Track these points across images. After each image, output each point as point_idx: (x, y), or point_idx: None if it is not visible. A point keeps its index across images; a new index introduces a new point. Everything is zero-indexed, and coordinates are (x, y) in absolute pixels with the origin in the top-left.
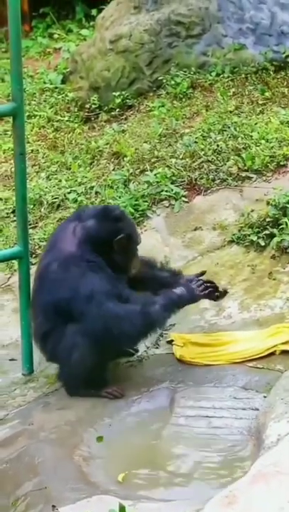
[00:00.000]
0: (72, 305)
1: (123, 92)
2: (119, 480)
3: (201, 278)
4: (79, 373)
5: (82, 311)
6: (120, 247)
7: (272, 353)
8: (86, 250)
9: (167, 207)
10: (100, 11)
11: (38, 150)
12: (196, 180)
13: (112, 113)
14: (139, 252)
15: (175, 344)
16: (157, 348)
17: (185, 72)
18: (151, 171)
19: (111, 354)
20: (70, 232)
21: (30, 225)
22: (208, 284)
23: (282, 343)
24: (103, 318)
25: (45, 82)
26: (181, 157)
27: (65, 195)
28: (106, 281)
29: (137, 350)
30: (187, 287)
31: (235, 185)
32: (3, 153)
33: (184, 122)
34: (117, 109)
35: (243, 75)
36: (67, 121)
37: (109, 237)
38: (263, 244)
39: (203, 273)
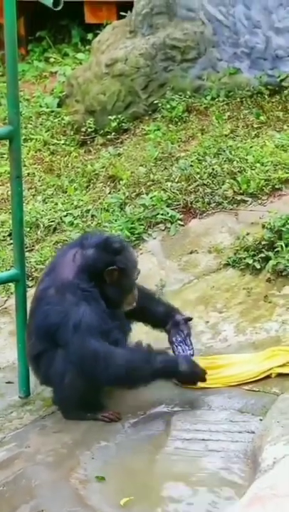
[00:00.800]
0: (59, 332)
1: (119, 116)
2: (121, 504)
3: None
4: (72, 397)
5: (67, 339)
6: (111, 279)
7: (268, 376)
8: (83, 279)
9: (163, 230)
10: (95, 35)
11: (34, 173)
12: (191, 203)
13: (108, 136)
14: (136, 290)
15: None
16: None
17: (180, 95)
18: (147, 194)
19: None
20: (70, 259)
21: (26, 248)
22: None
23: (278, 366)
24: (82, 351)
25: (41, 106)
26: (176, 180)
27: (61, 219)
28: (97, 314)
29: None
30: (192, 365)
31: (231, 209)
32: (0, 176)
33: (179, 146)
34: (113, 133)
35: (238, 99)
36: (63, 144)
37: (102, 267)
38: (258, 267)
39: (190, 319)
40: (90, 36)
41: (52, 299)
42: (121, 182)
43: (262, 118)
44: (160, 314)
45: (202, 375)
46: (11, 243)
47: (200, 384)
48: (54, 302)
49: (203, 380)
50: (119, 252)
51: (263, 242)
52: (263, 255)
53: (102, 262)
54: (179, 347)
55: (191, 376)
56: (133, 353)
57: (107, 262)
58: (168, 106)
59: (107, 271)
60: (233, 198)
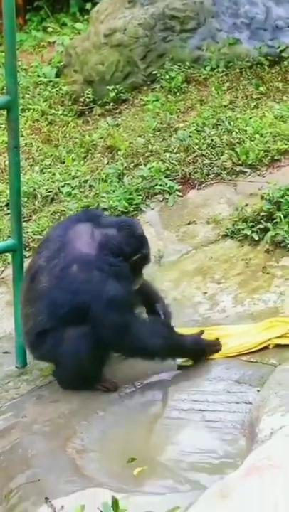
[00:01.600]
0: (91, 308)
1: (117, 86)
2: (134, 474)
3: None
4: (77, 374)
5: (101, 316)
6: (135, 264)
7: (266, 347)
8: (107, 255)
9: (161, 201)
10: (94, 4)
11: (32, 143)
12: (190, 174)
13: (106, 107)
14: None
15: None
16: None
17: (179, 66)
18: (145, 165)
19: (110, 355)
20: (88, 235)
21: (24, 218)
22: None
23: (276, 337)
24: (118, 325)
25: (39, 76)
26: (175, 151)
27: (58, 189)
28: (127, 289)
29: None
30: (199, 341)
31: (230, 180)
32: None
33: (178, 116)
34: (111, 103)
35: (238, 70)
36: (61, 114)
37: (130, 253)
38: (256, 238)
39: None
40: (88, 6)
41: (77, 277)
42: (119, 152)
43: (261, 89)
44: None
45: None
46: (9, 213)
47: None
48: (81, 280)
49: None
50: (143, 238)
51: (262, 213)
52: (261, 226)
53: (128, 245)
54: None
55: (202, 350)
56: (165, 330)
57: (134, 246)
58: (167, 76)
59: (136, 258)
60: (232, 169)
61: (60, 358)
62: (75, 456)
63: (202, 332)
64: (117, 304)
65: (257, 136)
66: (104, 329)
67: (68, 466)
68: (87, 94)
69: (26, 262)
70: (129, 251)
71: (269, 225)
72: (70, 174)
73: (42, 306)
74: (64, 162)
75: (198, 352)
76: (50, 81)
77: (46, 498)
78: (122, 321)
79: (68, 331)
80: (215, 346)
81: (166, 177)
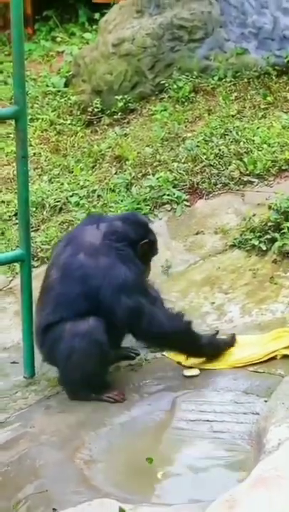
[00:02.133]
0: (101, 293)
1: (125, 96)
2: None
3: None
4: (77, 376)
5: (112, 300)
6: (142, 251)
7: (274, 358)
8: (113, 241)
9: (169, 211)
10: (102, 14)
11: (40, 153)
12: (198, 184)
13: (115, 117)
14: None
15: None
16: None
17: (187, 76)
18: (153, 174)
19: (111, 357)
20: (93, 228)
21: (32, 228)
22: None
23: (284, 348)
24: (132, 310)
25: (47, 86)
26: (183, 161)
27: (67, 199)
28: (136, 273)
29: (138, 354)
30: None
31: (237, 190)
32: (6, 156)
33: (186, 126)
34: (120, 113)
35: (246, 80)
36: (69, 124)
37: (136, 239)
38: (264, 248)
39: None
40: (97, 16)
41: (85, 263)
42: (127, 162)
43: (269, 99)
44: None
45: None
46: (17, 223)
47: (204, 366)
48: (88, 265)
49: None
50: (148, 225)
51: (269, 224)
52: (269, 236)
53: (133, 231)
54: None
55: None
56: (178, 320)
57: (139, 232)
58: (175, 86)
59: (142, 244)
60: (240, 178)
61: (59, 359)
62: (82, 466)
63: (217, 332)
64: (127, 287)
65: (264, 146)
66: (118, 314)
67: (76, 477)
68: (96, 103)
69: (34, 272)
70: (135, 237)
71: (277, 235)
72: (78, 184)
73: (49, 298)
74: (72, 172)
75: (213, 348)
76: (59, 91)
77: (54, 509)
78: (135, 303)
79: (68, 325)
80: (231, 342)
81: (174, 187)
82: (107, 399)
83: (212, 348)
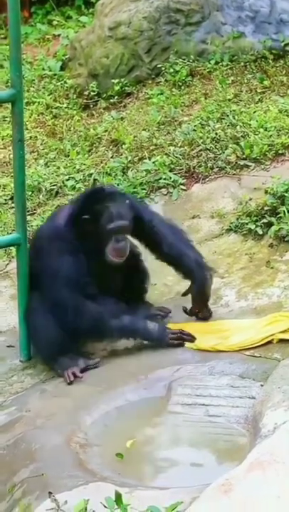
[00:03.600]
0: (41, 277)
1: (122, 80)
2: (128, 446)
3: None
4: (40, 339)
5: (47, 284)
6: (87, 228)
7: (270, 342)
8: (69, 226)
9: (165, 195)
10: None
11: (36, 137)
12: (194, 168)
13: (111, 100)
14: (125, 241)
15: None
16: None
17: (184, 59)
18: (149, 158)
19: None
20: (67, 207)
21: (28, 211)
22: (184, 336)
23: (280, 332)
24: (55, 299)
25: (44, 69)
26: (179, 145)
27: (63, 182)
28: (74, 266)
29: (166, 314)
30: (161, 330)
31: (234, 174)
32: (2, 139)
33: (182, 110)
34: (116, 97)
35: (242, 63)
36: (65, 108)
37: (79, 216)
38: (260, 232)
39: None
40: None
41: (43, 243)
42: (123, 146)
43: (266, 83)
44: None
45: (175, 339)
46: (13, 207)
47: (202, 346)
48: (44, 247)
49: (180, 343)
50: (98, 201)
51: (266, 208)
52: (265, 221)
53: (79, 209)
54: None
55: (161, 339)
56: (103, 307)
57: (83, 209)
58: (171, 70)
59: (81, 219)
60: (236, 163)
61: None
62: (78, 450)
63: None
64: (58, 279)
65: (261, 130)
66: (46, 300)
67: (72, 461)
68: (92, 87)
69: None
70: (79, 214)
71: (273, 219)
72: (74, 168)
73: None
74: (68, 155)
75: (157, 339)
76: (55, 74)
77: (50, 493)
78: (59, 296)
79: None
80: (175, 338)
81: (170, 171)
82: (64, 375)
83: (151, 338)
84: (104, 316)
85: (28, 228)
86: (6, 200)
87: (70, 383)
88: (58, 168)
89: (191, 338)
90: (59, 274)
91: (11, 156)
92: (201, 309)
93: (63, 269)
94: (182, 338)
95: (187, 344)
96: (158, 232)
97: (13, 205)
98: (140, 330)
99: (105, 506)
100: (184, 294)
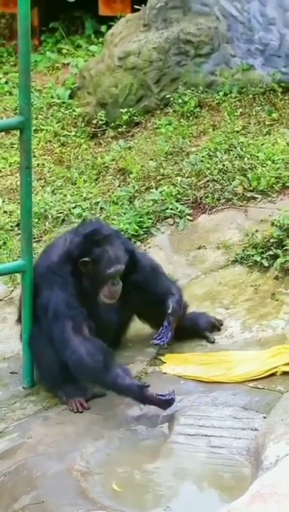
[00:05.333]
0: (37, 311)
1: (130, 109)
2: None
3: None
4: (44, 365)
5: (39, 320)
6: (85, 270)
7: (274, 374)
8: (63, 264)
9: (172, 225)
10: (109, 27)
11: (44, 164)
12: (201, 198)
13: (119, 129)
14: (120, 284)
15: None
16: (157, 365)
17: (193, 91)
18: (156, 188)
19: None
20: (63, 242)
21: (34, 238)
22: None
23: (284, 365)
24: (50, 333)
25: (52, 97)
26: (186, 175)
27: (69, 210)
28: (64, 300)
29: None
30: (140, 391)
31: (240, 205)
32: (10, 166)
33: (190, 141)
34: (124, 126)
35: (251, 96)
36: (73, 136)
37: (78, 257)
38: (266, 264)
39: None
40: (103, 28)
41: (38, 280)
42: (131, 175)
43: (274, 115)
44: (158, 294)
45: (155, 404)
46: (19, 233)
47: (204, 378)
48: (38, 282)
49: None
50: (98, 244)
51: (272, 240)
52: (271, 253)
53: (80, 250)
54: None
55: (141, 402)
56: (88, 350)
57: (82, 250)
58: (180, 100)
59: (80, 261)
60: (243, 194)
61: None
62: (79, 478)
63: (147, 386)
64: (50, 313)
65: (269, 162)
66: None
67: (73, 489)
68: (100, 116)
69: None
70: (78, 255)
71: (279, 251)
72: (81, 196)
73: None
74: (75, 183)
75: (132, 397)
76: (64, 102)
77: None
78: (52, 330)
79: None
80: (156, 403)
81: (177, 201)
82: (68, 405)
83: (129, 396)
84: (86, 360)
85: (34, 255)
86: (12, 226)
87: (76, 412)
88: (65, 195)
89: (165, 406)
90: (50, 307)
91: (18, 182)
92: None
93: (53, 303)
94: (157, 404)
95: (189, 376)
96: (134, 256)
97: (19, 231)
98: (119, 386)
99: None
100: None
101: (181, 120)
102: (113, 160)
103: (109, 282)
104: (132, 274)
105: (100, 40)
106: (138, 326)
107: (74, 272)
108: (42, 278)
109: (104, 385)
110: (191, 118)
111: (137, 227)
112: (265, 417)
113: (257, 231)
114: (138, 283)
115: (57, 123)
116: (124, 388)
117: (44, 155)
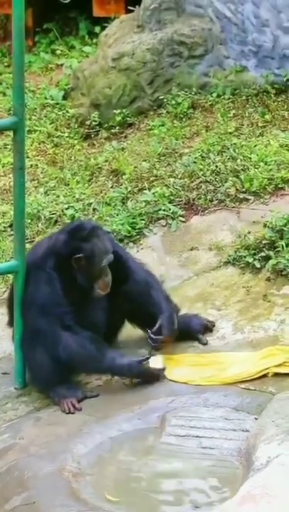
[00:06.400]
0: (22, 307)
1: (124, 110)
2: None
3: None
4: (36, 366)
5: (25, 316)
6: (79, 266)
7: (265, 375)
8: (48, 260)
9: (164, 226)
10: (103, 28)
11: (37, 165)
12: (193, 200)
13: (112, 130)
14: (108, 274)
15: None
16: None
17: (186, 92)
18: (149, 189)
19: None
20: (47, 240)
21: (27, 239)
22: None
23: (275, 366)
24: (33, 329)
25: (46, 98)
26: (179, 177)
27: (62, 211)
28: (51, 297)
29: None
30: (133, 366)
31: (233, 207)
32: (3, 167)
33: (183, 142)
34: (117, 127)
35: (244, 97)
36: (67, 137)
37: (69, 255)
38: (258, 266)
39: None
40: (97, 29)
41: (25, 276)
42: (124, 176)
43: (267, 117)
44: (151, 309)
45: (152, 377)
46: (12, 234)
47: (197, 382)
48: (25, 278)
49: (156, 380)
50: (86, 239)
51: (264, 241)
52: (263, 254)
53: (68, 247)
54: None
55: (141, 378)
56: (78, 341)
57: (74, 248)
58: (173, 102)
59: (74, 259)
60: (236, 196)
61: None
62: (71, 479)
63: (147, 358)
64: (34, 308)
65: (261, 164)
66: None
67: (64, 490)
68: (94, 117)
69: None
70: (68, 253)
71: (271, 253)
72: (74, 197)
73: None
74: (68, 184)
75: (129, 376)
76: (57, 103)
77: None
78: (36, 325)
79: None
80: (150, 376)
81: (169, 202)
82: (59, 404)
83: (126, 375)
84: (81, 350)
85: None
86: (5, 227)
87: (68, 413)
88: (58, 196)
89: (159, 374)
90: (35, 302)
91: (11, 183)
92: (168, 342)
93: (39, 298)
94: (150, 376)
95: (180, 379)
96: (128, 266)
97: (12, 232)
98: (116, 367)
99: None
100: (154, 333)
101: (175, 121)
102: (106, 161)
103: (103, 274)
104: (124, 283)
105: (94, 41)
106: (130, 331)
107: (58, 268)
108: (28, 273)
109: (101, 369)
110: (184, 119)
111: (129, 228)
112: (256, 419)
113: (249, 232)
114: (130, 296)
115: (50, 124)
116: (125, 367)
117: (37, 156)
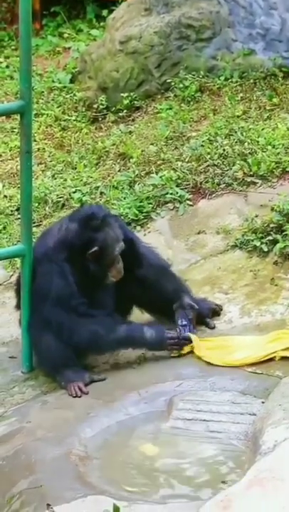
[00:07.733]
0: (34, 298)
1: (131, 94)
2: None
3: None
4: (43, 350)
5: (37, 306)
6: (94, 259)
7: (272, 359)
8: (59, 252)
9: (172, 209)
10: (110, 11)
11: (44, 149)
12: (201, 183)
13: (120, 114)
14: (120, 261)
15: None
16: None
17: (194, 75)
18: (156, 173)
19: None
20: (57, 229)
21: (34, 223)
22: (182, 341)
23: (282, 350)
24: (49, 320)
25: (53, 81)
26: (187, 160)
27: (70, 195)
28: (66, 288)
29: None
30: (159, 336)
31: (240, 190)
32: (10, 150)
33: (191, 125)
34: (125, 111)
35: (252, 80)
36: (74, 120)
37: (83, 248)
38: (266, 250)
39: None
40: (104, 13)
41: (35, 265)
42: (131, 160)
43: (275, 100)
44: (168, 292)
45: (174, 341)
46: (19, 218)
47: (202, 357)
48: (35, 268)
49: (182, 345)
50: (98, 229)
51: (272, 225)
52: (270, 238)
53: (80, 240)
54: (183, 329)
55: (160, 344)
56: (97, 322)
57: (85, 240)
58: (181, 85)
59: (90, 253)
60: (243, 179)
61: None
62: (78, 463)
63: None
64: (51, 300)
65: (269, 147)
66: (39, 321)
67: (71, 473)
68: (101, 100)
69: None
70: (82, 246)
71: (278, 236)
72: (81, 180)
73: None
74: (76, 168)
75: (157, 345)
76: (65, 87)
77: (48, 505)
78: (53, 317)
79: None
80: (176, 343)
81: (177, 186)
82: (66, 389)
83: (153, 344)
84: (99, 330)
85: (34, 240)
86: (12, 211)
87: (75, 397)
88: (65, 180)
89: (189, 342)
90: (50, 295)
91: (19, 167)
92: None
93: (54, 291)
94: (180, 344)
95: (207, 358)
96: (141, 251)
97: (19, 216)
98: (137, 338)
99: None
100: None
101: (182, 105)
102: (113, 144)
103: (115, 262)
104: (136, 268)
105: (102, 24)
106: (137, 314)
107: (70, 260)
108: (39, 264)
109: (121, 345)
110: (191, 103)
111: (136, 212)
112: (263, 402)
113: (257, 216)
114: (144, 280)
115: (57, 107)
116: (153, 338)
117: (44, 139)
